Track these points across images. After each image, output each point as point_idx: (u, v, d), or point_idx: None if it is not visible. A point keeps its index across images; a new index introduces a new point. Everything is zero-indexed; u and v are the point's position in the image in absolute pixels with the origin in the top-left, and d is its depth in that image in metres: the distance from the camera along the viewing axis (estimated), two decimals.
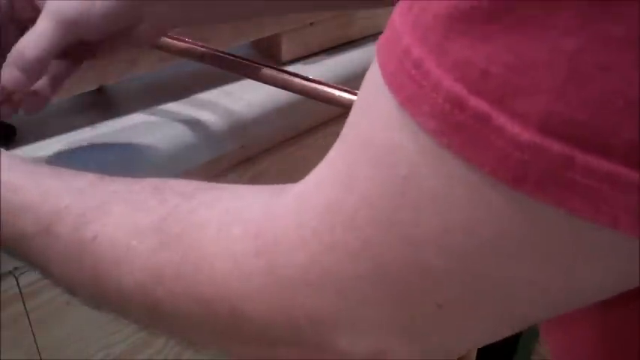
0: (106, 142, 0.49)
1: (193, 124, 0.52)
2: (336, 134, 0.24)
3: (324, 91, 0.46)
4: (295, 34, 0.63)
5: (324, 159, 0.24)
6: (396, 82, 0.19)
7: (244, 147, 0.56)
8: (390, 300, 0.22)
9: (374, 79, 0.21)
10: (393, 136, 0.20)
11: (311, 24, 0.64)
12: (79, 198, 0.31)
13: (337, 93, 0.46)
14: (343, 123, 0.23)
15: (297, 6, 0.50)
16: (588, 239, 0.18)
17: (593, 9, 0.15)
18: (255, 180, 0.58)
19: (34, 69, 0.38)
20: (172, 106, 0.55)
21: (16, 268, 0.44)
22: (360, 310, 0.22)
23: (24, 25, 0.41)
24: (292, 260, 0.23)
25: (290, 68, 0.57)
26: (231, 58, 0.50)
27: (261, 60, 0.50)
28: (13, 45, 0.38)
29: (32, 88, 0.41)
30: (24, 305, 0.46)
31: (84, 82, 0.51)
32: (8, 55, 0.38)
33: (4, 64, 0.38)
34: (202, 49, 0.50)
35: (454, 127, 0.18)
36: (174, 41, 0.50)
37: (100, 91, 0.55)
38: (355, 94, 0.45)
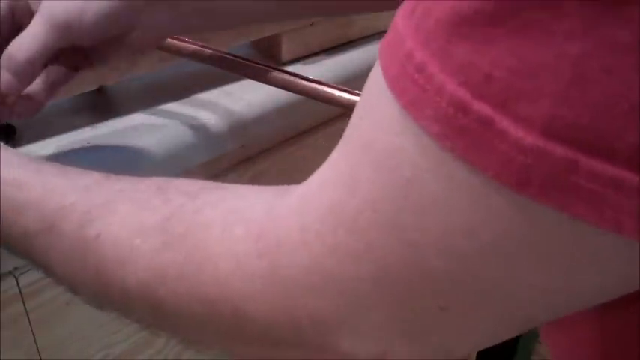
0: (105, 142, 0.49)
1: (193, 124, 0.52)
2: (336, 134, 0.24)
3: (324, 91, 0.46)
4: (295, 34, 0.63)
5: (326, 161, 0.24)
6: (398, 85, 0.19)
7: (244, 147, 0.56)
8: (392, 302, 0.22)
9: (377, 82, 0.21)
10: (395, 139, 0.20)
11: (311, 24, 0.64)
12: (85, 196, 0.31)
13: (337, 93, 0.46)
14: (343, 123, 0.23)
15: (295, 14, 0.50)
16: (590, 243, 0.18)
17: (597, 14, 0.15)
18: (255, 180, 0.58)
19: (24, 71, 0.38)
20: (172, 106, 0.55)
21: (16, 268, 0.44)
22: (362, 311, 0.23)
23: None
24: (294, 262, 0.23)
25: (290, 68, 0.57)
26: (232, 58, 0.50)
27: (261, 60, 0.50)
28: None
29: (27, 92, 0.41)
30: (24, 305, 0.46)
31: (84, 82, 0.51)
32: (1, 58, 0.38)
33: None
34: (202, 49, 0.50)
35: (457, 130, 0.18)
36: (175, 41, 0.50)
37: (100, 91, 0.55)
38: (355, 94, 0.45)
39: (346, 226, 0.22)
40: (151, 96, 0.56)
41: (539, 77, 0.16)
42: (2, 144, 0.35)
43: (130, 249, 0.28)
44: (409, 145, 0.19)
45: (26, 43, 0.38)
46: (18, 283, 0.45)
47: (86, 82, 0.51)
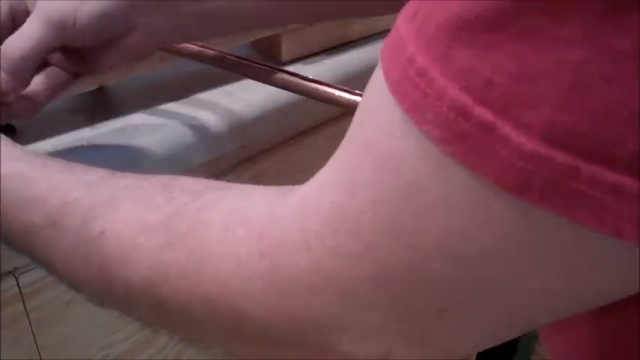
0: (105, 142, 0.49)
1: (193, 124, 0.52)
2: (336, 134, 0.24)
3: (324, 91, 0.46)
4: (295, 34, 0.63)
5: (328, 162, 0.24)
6: (400, 89, 0.19)
7: (244, 147, 0.56)
8: (392, 303, 0.22)
9: (378, 85, 0.21)
10: (396, 142, 0.20)
11: (311, 24, 0.64)
12: (89, 192, 0.31)
13: (337, 93, 0.46)
14: (343, 123, 0.23)
15: (295, 17, 0.50)
16: (591, 247, 0.18)
17: (597, 21, 0.15)
18: (255, 180, 0.58)
19: (18, 69, 0.37)
20: (172, 106, 0.55)
21: (16, 268, 0.44)
22: (361, 312, 0.23)
23: None
24: (295, 263, 0.23)
25: (290, 68, 0.57)
26: (232, 58, 0.50)
27: (261, 60, 0.50)
28: None
29: (26, 92, 0.41)
30: (24, 305, 0.46)
31: (84, 82, 0.51)
32: None
33: None
34: (203, 49, 0.50)
35: (458, 135, 0.18)
36: None
37: (100, 91, 0.55)
38: (355, 94, 0.45)
39: (347, 227, 0.22)
40: (151, 96, 0.56)
41: (539, 83, 0.16)
42: (8, 139, 0.35)
43: (133, 247, 0.28)
44: (410, 149, 0.19)
45: (20, 41, 0.38)
46: (18, 283, 0.45)
47: (86, 82, 0.51)
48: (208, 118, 0.53)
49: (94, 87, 0.53)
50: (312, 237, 0.23)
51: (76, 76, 0.43)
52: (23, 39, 0.38)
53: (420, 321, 0.22)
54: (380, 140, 0.21)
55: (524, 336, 1.09)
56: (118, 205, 0.30)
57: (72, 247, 0.30)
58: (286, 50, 0.63)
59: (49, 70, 0.42)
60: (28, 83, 0.39)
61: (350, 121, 0.23)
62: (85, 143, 0.48)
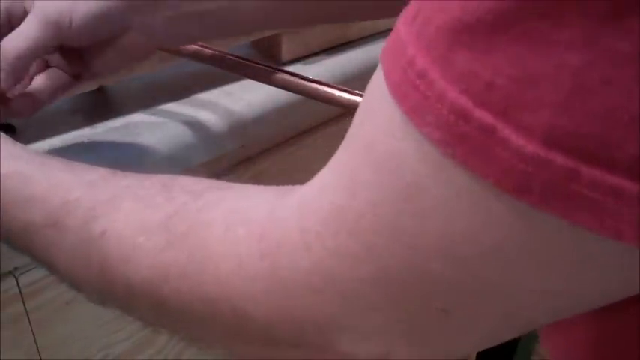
0: (105, 142, 0.49)
1: (193, 124, 0.52)
2: (336, 134, 0.24)
3: (324, 91, 0.46)
4: (295, 34, 0.63)
5: (328, 163, 0.24)
6: (400, 91, 0.19)
7: (244, 147, 0.56)
8: (392, 303, 0.22)
9: (378, 86, 0.21)
10: (396, 143, 0.20)
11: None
12: (90, 191, 0.31)
13: (337, 93, 0.46)
14: (343, 123, 0.23)
15: (294, 22, 0.50)
16: (591, 248, 0.18)
17: (597, 24, 0.15)
18: (255, 180, 0.58)
19: (15, 67, 0.37)
20: (172, 106, 0.55)
21: (16, 268, 0.44)
22: (361, 312, 0.23)
23: None
24: (296, 263, 0.23)
25: (290, 68, 0.57)
26: (232, 58, 0.50)
27: (261, 60, 0.50)
28: None
29: (28, 90, 0.41)
30: (24, 305, 0.46)
31: (84, 82, 0.51)
32: None
33: None
34: (202, 49, 0.50)
35: (458, 138, 0.18)
36: None
37: (100, 91, 0.55)
38: (355, 94, 0.45)
39: (347, 228, 0.22)
40: (151, 96, 0.56)
41: (539, 86, 0.16)
42: (8, 137, 0.35)
43: (133, 247, 0.28)
44: (410, 150, 0.19)
45: (17, 40, 0.38)
46: (18, 283, 0.45)
47: (86, 82, 0.51)
48: (208, 118, 0.53)
49: (94, 87, 0.53)
50: (313, 238, 0.23)
51: (76, 77, 0.44)
52: (20, 38, 0.38)
53: (420, 321, 0.22)
54: (380, 141, 0.21)
55: (524, 336, 1.09)
56: (119, 204, 0.30)
57: (73, 247, 0.30)
58: (286, 50, 0.63)
59: (50, 71, 0.42)
60: (24, 82, 0.40)
61: (350, 122, 0.23)
62: (85, 140, 0.48)
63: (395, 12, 0.21)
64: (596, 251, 0.18)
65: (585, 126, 0.16)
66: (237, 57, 0.50)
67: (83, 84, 0.46)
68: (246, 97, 0.56)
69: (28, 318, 0.46)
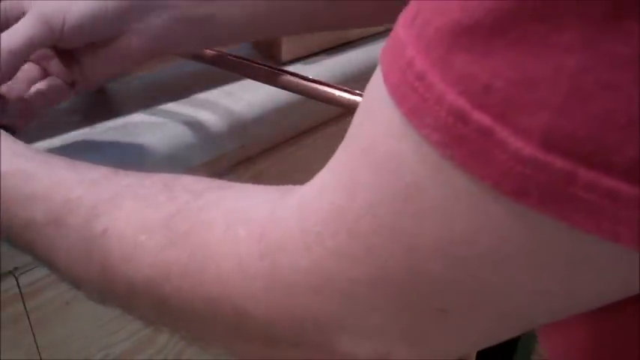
0: (105, 142, 0.49)
1: (193, 124, 0.52)
2: (336, 134, 0.24)
3: (324, 91, 0.46)
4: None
5: (328, 163, 0.24)
6: (399, 92, 0.19)
7: (244, 147, 0.56)
8: (391, 304, 0.22)
9: (377, 87, 0.21)
10: (395, 144, 0.20)
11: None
12: (92, 190, 0.31)
13: (337, 93, 0.46)
14: (343, 123, 0.23)
15: (292, 29, 0.50)
16: (589, 250, 0.18)
17: (596, 27, 0.15)
18: (255, 180, 0.58)
19: (7, 62, 0.38)
20: (172, 106, 0.55)
21: (16, 268, 0.44)
22: (361, 313, 0.23)
23: None
24: (296, 264, 0.23)
25: (290, 68, 0.57)
26: (232, 58, 0.50)
27: (261, 60, 0.50)
28: None
29: (24, 96, 0.41)
30: (24, 305, 0.46)
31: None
32: None
33: None
34: (203, 49, 0.50)
35: (457, 139, 0.18)
36: None
37: (100, 91, 0.55)
38: (355, 94, 0.45)
39: (346, 228, 0.22)
40: (151, 96, 0.56)
41: (537, 89, 0.16)
42: (9, 135, 0.36)
43: (135, 245, 0.28)
44: (409, 152, 0.19)
45: (11, 36, 0.38)
46: (18, 283, 0.45)
47: None
48: (208, 118, 0.53)
49: None
50: (312, 238, 0.23)
51: (72, 84, 0.44)
52: (15, 35, 0.38)
53: (419, 321, 0.22)
54: (379, 142, 0.21)
55: (524, 336, 1.09)
56: (121, 203, 0.30)
57: (74, 245, 0.30)
58: (286, 50, 0.63)
59: (48, 79, 0.43)
60: (22, 87, 0.40)
61: (350, 122, 0.23)
62: (85, 143, 0.48)
63: (391, 19, 0.21)
64: (594, 253, 0.18)
65: (583, 128, 0.16)
66: (237, 57, 0.50)
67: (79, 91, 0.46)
68: (246, 97, 0.56)
69: (28, 318, 0.46)
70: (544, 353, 0.31)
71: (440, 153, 0.18)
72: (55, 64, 0.43)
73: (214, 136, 0.53)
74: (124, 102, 0.55)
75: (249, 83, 0.53)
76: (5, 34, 0.38)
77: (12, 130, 0.48)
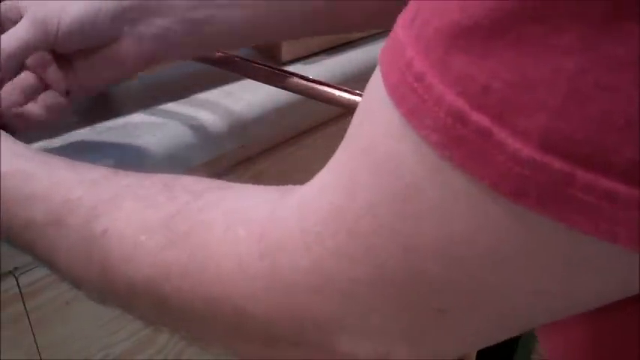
0: (105, 142, 0.49)
1: (193, 124, 0.52)
2: (336, 134, 0.24)
3: (324, 91, 0.46)
4: None
5: (327, 163, 0.24)
6: (398, 93, 0.19)
7: (244, 147, 0.56)
8: (390, 304, 0.22)
9: (377, 88, 0.21)
10: (394, 145, 0.20)
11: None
12: (92, 190, 0.31)
13: (337, 93, 0.46)
14: (343, 123, 0.23)
15: (292, 33, 0.50)
16: (586, 251, 0.18)
17: (596, 30, 0.15)
18: (255, 180, 0.58)
19: (3, 66, 0.38)
20: (172, 106, 0.55)
21: (16, 268, 0.44)
22: (361, 313, 0.23)
23: None
24: (296, 264, 0.23)
25: (290, 68, 0.57)
26: (232, 58, 0.50)
27: (261, 60, 0.50)
28: None
29: (21, 110, 0.41)
30: (24, 305, 0.46)
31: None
32: None
33: None
34: None
35: (456, 140, 0.18)
36: None
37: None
38: (355, 94, 0.45)
39: (346, 229, 0.22)
40: (151, 96, 0.56)
41: (536, 91, 0.16)
42: (9, 135, 0.36)
43: (135, 245, 0.28)
44: (408, 152, 0.19)
45: (6, 39, 0.38)
46: (18, 283, 0.45)
47: None
48: (208, 118, 0.53)
49: None
50: (312, 238, 0.23)
51: (67, 93, 0.44)
52: (11, 38, 0.38)
53: (418, 321, 0.22)
54: (379, 143, 0.21)
55: (524, 335, 1.09)
56: (121, 203, 0.30)
57: (74, 245, 0.30)
58: (286, 50, 0.63)
59: (45, 95, 0.43)
60: (18, 99, 0.40)
61: (350, 122, 0.23)
62: (85, 143, 0.48)
63: (391, 23, 0.21)
64: (592, 254, 0.18)
65: (581, 130, 0.16)
66: (237, 57, 0.50)
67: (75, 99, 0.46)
68: (246, 97, 0.56)
69: (28, 318, 0.46)
70: (544, 353, 0.31)
71: (439, 154, 0.18)
72: (51, 72, 0.43)
73: (214, 136, 0.53)
74: (124, 102, 0.55)
75: (249, 83, 0.53)
76: (1, 39, 0.38)
77: (12, 131, 0.48)
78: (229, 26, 0.44)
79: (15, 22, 0.40)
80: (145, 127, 0.51)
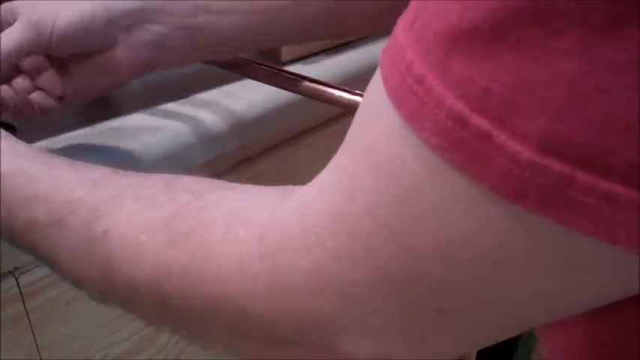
0: (105, 142, 0.49)
1: (193, 124, 0.52)
2: (336, 134, 0.24)
3: (324, 91, 0.46)
4: None
5: (328, 165, 0.24)
6: (398, 95, 0.19)
7: (244, 147, 0.56)
8: (391, 305, 0.22)
9: (377, 90, 0.21)
10: (395, 147, 0.20)
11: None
12: (93, 190, 0.31)
13: (337, 93, 0.46)
14: (343, 123, 0.23)
15: (291, 38, 0.50)
16: (587, 252, 0.18)
17: (596, 33, 0.15)
18: (255, 180, 0.58)
19: None
20: (172, 106, 0.55)
21: (16, 268, 0.44)
22: (361, 313, 0.23)
23: None
24: (296, 265, 0.23)
25: (290, 68, 0.57)
26: (232, 58, 0.50)
27: (261, 60, 0.50)
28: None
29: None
30: (24, 305, 0.46)
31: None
32: None
33: None
34: None
35: (456, 143, 0.18)
36: None
37: None
38: (355, 94, 0.45)
39: (346, 230, 0.22)
40: (151, 96, 0.56)
41: (535, 93, 0.16)
42: (10, 135, 0.36)
43: (136, 245, 0.28)
44: (408, 154, 0.19)
45: (3, 42, 0.38)
46: (18, 283, 0.45)
47: None
48: (208, 118, 0.54)
49: None
50: (312, 239, 0.23)
51: (59, 98, 0.44)
52: (4, 40, 0.38)
53: (419, 322, 0.22)
54: (379, 145, 0.21)
55: (524, 335, 1.09)
56: (122, 203, 0.30)
57: (76, 246, 0.30)
58: (286, 50, 0.63)
59: (37, 93, 0.43)
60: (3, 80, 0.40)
61: (350, 122, 0.23)
62: (85, 143, 0.49)
63: (389, 30, 0.21)
64: (592, 255, 0.18)
65: (581, 133, 0.16)
66: (237, 57, 0.50)
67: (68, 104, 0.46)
68: (246, 97, 0.56)
69: (28, 318, 0.46)
70: (544, 353, 0.31)
71: (439, 156, 0.18)
72: (45, 77, 0.43)
73: (214, 136, 0.53)
74: (124, 102, 0.55)
75: (249, 83, 0.53)
76: None
77: (12, 129, 0.48)
78: (228, 33, 0.44)
79: (10, 25, 0.40)
80: (145, 127, 0.51)
